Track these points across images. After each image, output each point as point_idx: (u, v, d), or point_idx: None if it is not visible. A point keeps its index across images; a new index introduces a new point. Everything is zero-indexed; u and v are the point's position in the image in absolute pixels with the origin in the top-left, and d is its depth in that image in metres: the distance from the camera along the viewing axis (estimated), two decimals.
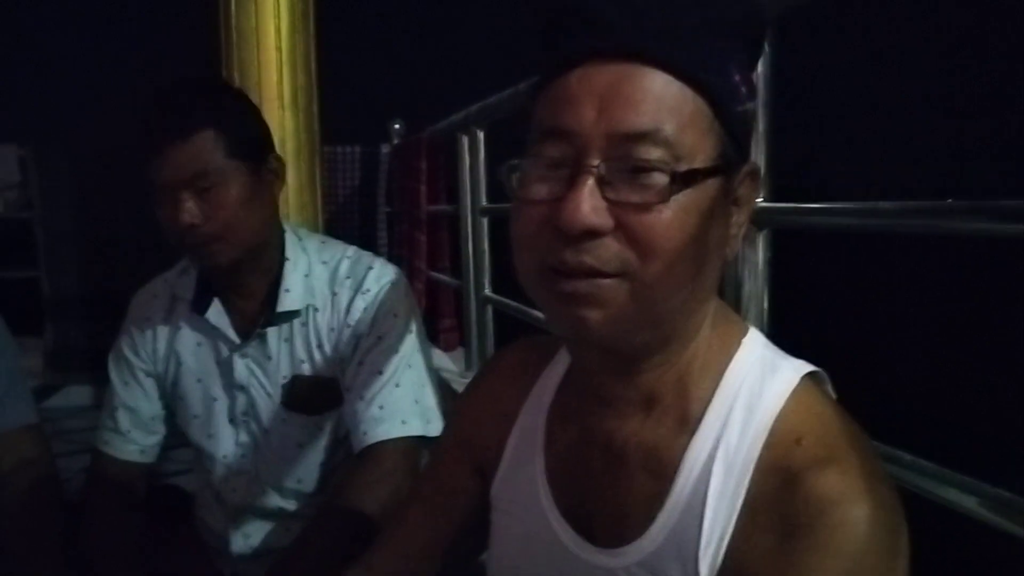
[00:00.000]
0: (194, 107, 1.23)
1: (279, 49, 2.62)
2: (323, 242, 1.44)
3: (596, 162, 0.60)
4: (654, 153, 0.60)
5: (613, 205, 0.60)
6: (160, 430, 1.44)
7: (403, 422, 1.30)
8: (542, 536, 0.75)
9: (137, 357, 1.43)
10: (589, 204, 0.59)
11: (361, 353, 1.33)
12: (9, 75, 4.04)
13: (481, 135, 2.30)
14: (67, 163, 3.70)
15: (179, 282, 1.43)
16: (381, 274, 1.38)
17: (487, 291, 2.35)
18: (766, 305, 1.07)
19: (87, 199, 3.73)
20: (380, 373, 1.31)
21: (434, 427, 1.33)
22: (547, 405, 0.80)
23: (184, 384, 1.41)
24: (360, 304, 1.35)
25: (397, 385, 1.31)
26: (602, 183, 0.60)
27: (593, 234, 0.60)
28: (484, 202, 2.32)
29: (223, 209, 1.23)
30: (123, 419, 1.41)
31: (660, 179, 0.60)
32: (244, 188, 1.26)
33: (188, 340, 1.41)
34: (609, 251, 0.60)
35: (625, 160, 0.60)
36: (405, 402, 1.31)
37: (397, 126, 3.79)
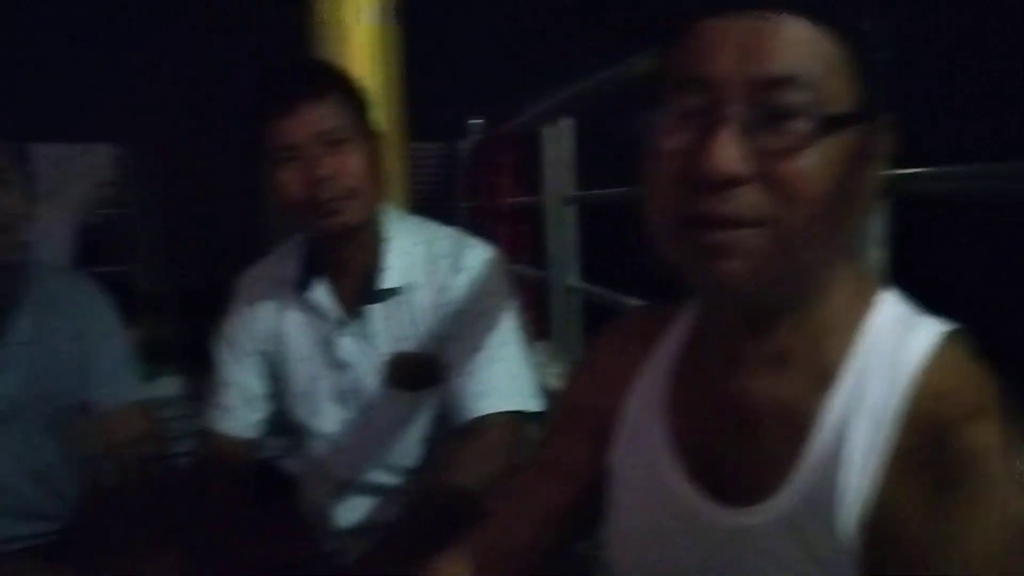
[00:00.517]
0: (324, 71, 1.32)
1: (364, 40, 2.68)
2: (421, 222, 1.47)
3: (737, 109, 0.60)
4: (797, 98, 0.59)
5: (754, 152, 0.60)
6: (265, 407, 1.48)
7: (504, 397, 1.31)
8: (667, 499, 0.75)
9: (243, 336, 1.47)
10: (731, 151, 0.59)
11: (461, 330, 1.35)
12: (107, 78, 4.21)
13: (567, 124, 2.30)
14: (159, 163, 3.85)
15: (283, 263, 1.47)
16: (479, 253, 1.40)
17: (573, 281, 2.35)
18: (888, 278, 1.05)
19: (178, 198, 3.87)
20: (480, 349, 1.33)
21: (532, 404, 1.34)
22: (669, 369, 0.80)
23: (289, 362, 1.45)
24: (459, 282, 1.36)
25: (497, 361, 1.32)
26: (743, 130, 0.60)
27: (734, 182, 0.60)
28: (571, 191, 2.32)
29: (353, 164, 1.28)
30: (230, 396, 1.45)
31: (803, 125, 0.59)
32: (368, 151, 1.31)
33: (292, 319, 1.44)
34: (750, 200, 0.60)
35: (767, 106, 0.60)
36: (505, 378, 1.32)
37: (477, 122, 3.83)
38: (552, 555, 0.90)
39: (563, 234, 2.37)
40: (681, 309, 0.83)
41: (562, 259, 2.38)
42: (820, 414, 0.66)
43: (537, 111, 2.57)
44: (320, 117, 1.26)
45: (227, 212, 3.90)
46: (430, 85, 3.56)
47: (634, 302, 1.97)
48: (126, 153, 3.75)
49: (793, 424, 0.68)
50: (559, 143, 2.35)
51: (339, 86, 1.30)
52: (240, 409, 1.45)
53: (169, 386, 4.07)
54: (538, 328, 3.03)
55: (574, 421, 0.88)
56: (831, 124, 0.60)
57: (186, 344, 3.77)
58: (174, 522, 1.40)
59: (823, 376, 0.67)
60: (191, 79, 4.22)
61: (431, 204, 3.88)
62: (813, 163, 0.59)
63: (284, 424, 1.52)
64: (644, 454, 0.79)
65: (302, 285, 1.42)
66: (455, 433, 1.33)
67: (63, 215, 3.72)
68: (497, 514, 0.91)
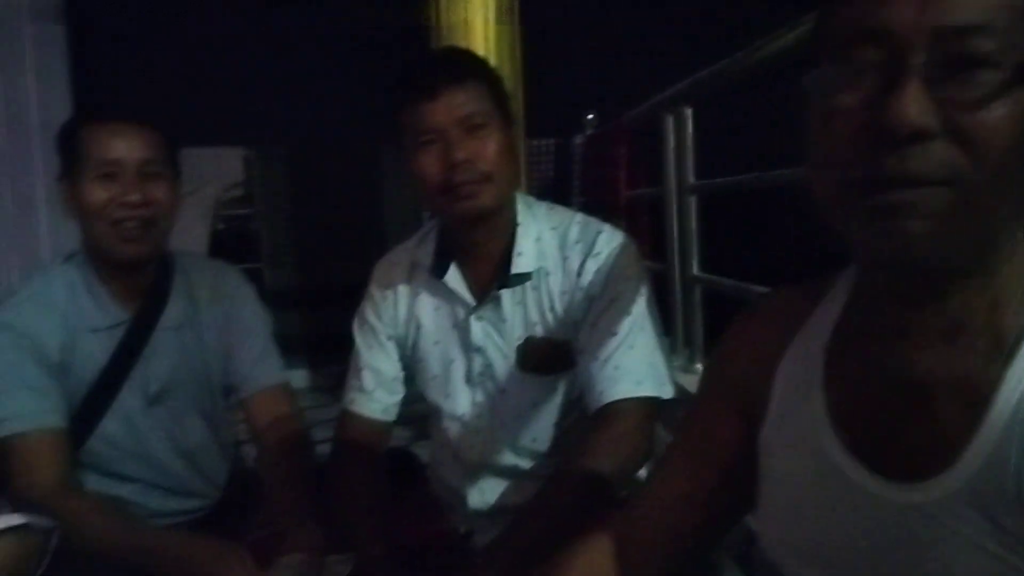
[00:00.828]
0: (464, 58, 1.35)
1: (487, 39, 2.72)
2: (551, 208, 1.48)
3: (920, 59, 0.57)
4: (985, 47, 0.56)
5: (940, 105, 0.57)
6: (400, 390, 1.52)
7: (638, 383, 1.30)
8: (828, 475, 0.73)
9: (380, 321, 1.51)
10: (917, 104, 0.56)
11: (594, 315, 1.34)
12: (236, 83, 4.40)
13: (688, 112, 2.27)
14: (285, 164, 4.00)
15: (418, 250, 1.50)
16: (611, 238, 1.39)
17: (695, 271, 2.31)
18: None
19: (302, 198, 4.00)
20: (614, 334, 1.32)
21: (667, 390, 1.33)
22: (822, 344, 0.77)
23: (423, 346, 1.48)
24: (591, 267, 1.36)
25: (631, 347, 1.32)
26: (927, 82, 0.57)
27: (922, 136, 0.57)
28: (692, 180, 2.29)
29: (490, 148, 1.30)
30: (367, 379, 1.50)
31: (993, 75, 0.56)
32: (504, 136, 1.33)
33: (427, 304, 1.47)
34: (936, 156, 0.57)
35: (953, 56, 0.57)
36: (639, 363, 1.31)
37: (590, 117, 3.82)
38: (698, 543, 0.89)
39: (685, 224, 2.33)
40: (830, 285, 0.80)
41: (684, 249, 2.35)
42: (999, 385, 0.63)
43: (654, 101, 2.54)
44: (460, 102, 1.29)
45: (348, 213, 4.01)
46: (543, 81, 3.57)
47: (758, 290, 1.93)
48: (254, 156, 3.93)
49: (968, 396, 0.64)
50: (680, 132, 2.32)
51: (478, 73, 1.33)
52: (376, 391, 1.49)
53: (297, 379, 4.25)
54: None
55: (719, 400, 0.87)
56: (1022, 74, 0.56)
57: (309, 338, 3.92)
58: (315, 501, 1.44)
59: (1001, 345, 0.64)
60: (314, 84, 4.37)
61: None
62: (1005, 114, 0.56)
63: (418, 407, 1.55)
64: (800, 429, 0.76)
65: (436, 270, 1.45)
66: (589, 418, 1.33)
67: (197, 215, 3.92)
68: (639, 498, 0.90)
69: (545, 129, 3.96)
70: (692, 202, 2.31)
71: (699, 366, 2.34)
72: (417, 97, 1.29)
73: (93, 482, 1.53)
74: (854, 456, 0.71)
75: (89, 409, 1.51)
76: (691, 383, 2.15)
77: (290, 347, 1.71)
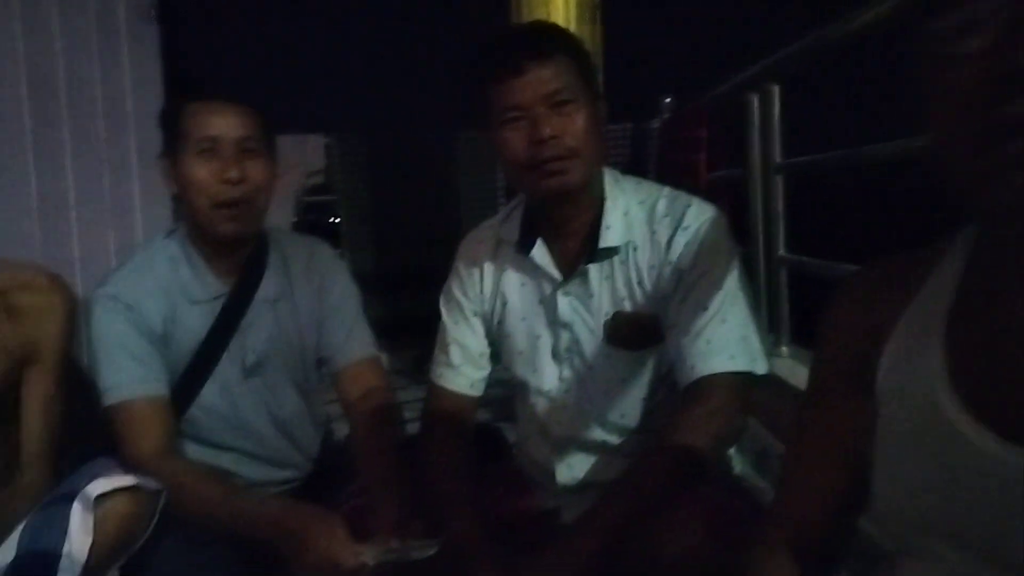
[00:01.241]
0: (552, 33, 1.33)
1: (568, 22, 2.72)
2: (639, 183, 1.47)
3: None
4: None
5: None
6: (487, 366, 1.53)
7: (731, 357, 1.28)
8: (946, 439, 0.70)
9: (466, 297, 1.52)
10: None
11: (684, 289, 1.33)
12: (317, 72, 4.49)
13: (775, 89, 2.22)
14: (365, 151, 4.06)
15: (504, 226, 1.51)
16: (700, 211, 1.37)
17: (781, 252, 2.27)
18: None
19: (382, 183, 4.06)
20: (705, 308, 1.31)
21: (760, 365, 1.31)
22: (945, 305, 0.75)
23: (509, 322, 1.49)
24: (681, 240, 1.35)
25: (723, 320, 1.30)
26: None
27: None
28: (778, 159, 2.24)
29: (576, 125, 1.30)
30: (455, 354, 1.51)
31: None
32: (590, 111, 1.33)
33: (513, 280, 1.48)
34: None
35: None
36: (732, 337, 1.29)
37: (668, 100, 3.78)
38: (841, 535, 0.86)
39: (771, 204, 2.29)
40: (946, 247, 0.78)
41: (769, 230, 2.31)
42: None
43: (738, 80, 2.49)
44: (547, 78, 1.28)
45: (426, 199, 4.05)
46: (618, 66, 3.55)
47: (850, 268, 1.88)
48: (335, 143, 4.00)
49: None
50: (765, 110, 2.27)
51: (565, 47, 1.32)
52: (463, 366, 1.51)
53: None
54: None
55: (836, 377, 0.84)
56: None
57: (390, 323, 3.97)
58: (404, 474, 1.45)
59: None
60: (392, 73, 4.43)
61: None
62: None
63: (495, 392, 1.56)
64: (917, 393, 0.74)
65: (522, 246, 1.45)
66: (680, 393, 1.32)
67: (279, 202, 4.01)
68: (778, 502, 0.88)
69: (620, 114, 3.93)
70: (779, 182, 2.26)
71: (785, 349, 2.30)
72: (502, 73, 1.30)
73: (193, 451, 1.59)
74: (976, 419, 0.69)
75: (189, 379, 1.58)
76: (777, 367, 2.11)
77: (372, 331, 1.73)
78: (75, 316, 1.47)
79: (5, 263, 1.41)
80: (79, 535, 1.17)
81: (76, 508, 1.18)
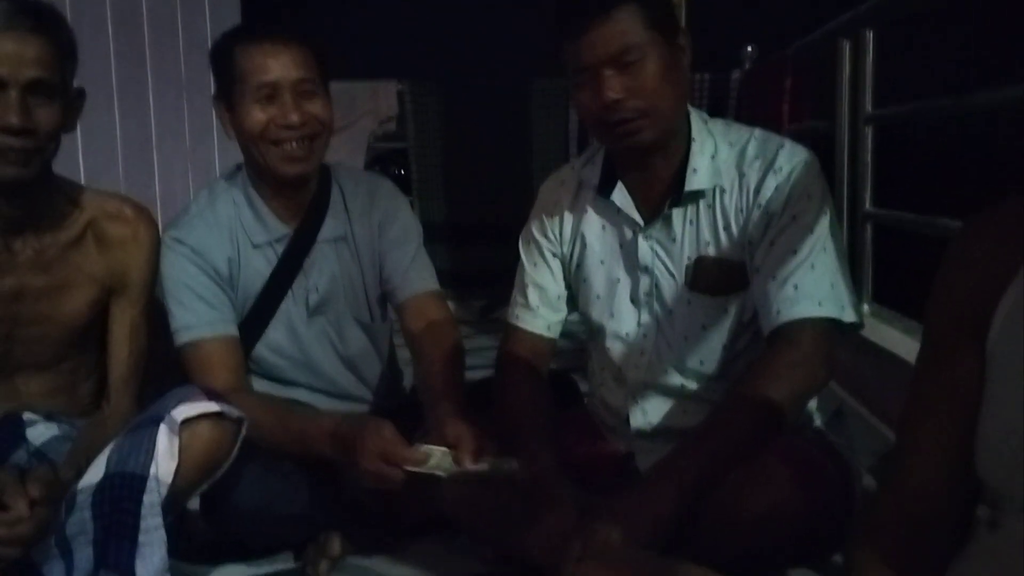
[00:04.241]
0: None
1: None
2: (728, 124, 1.42)
3: None
4: None
5: None
6: (564, 309, 1.51)
7: (819, 303, 1.24)
8: None
9: (545, 239, 1.50)
10: None
11: (773, 233, 1.29)
12: (392, 17, 4.46)
13: (870, 35, 2.12)
14: (438, 98, 4.02)
15: (585, 169, 1.47)
16: (793, 153, 1.32)
17: (868, 207, 2.19)
18: None
19: (454, 132, 4.03)
20: (794, 253, 1.26)
21: (849, 314, 1.26)
22: None
23: (588, 266, 1.46)
24: (772, 183, 1.30)
25: (812, 267, 1.25)
26: None
27: None
28: (869, 109, 2.15)
29: (646, 83, 1.25)
30: (532, 296, 1.50)
31: None
32: (663, 61, 1.27)
33: (593, 223, 1.45)
34: None
35: None
36: (821, 284, 1.25)
37: (749, 49, 3.65)
38: (965, 498, 0.78)
39: (859, 156, 2.20)
40: None
41: (856, 183, 2.22)
42: None
43: (830, 27, 2.39)
44: (609, 37, 1.23)
45: (498, 149, 4.01)
46: (696, 15, 3.44)
47: (943, 223, 1.81)
48: (407, 90, 3.97)
49: None
50: (859, 58, 2.18)
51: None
52: (541, 308, 1.49)
53: None
54: None
55: (954, 328, 0.79)
56: None
57: (456, 271, 3.98)
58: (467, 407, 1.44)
59: None
60: (468, 19, 4.38)
61: None
62: None
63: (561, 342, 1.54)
64: None
65: (603, 189, 1.42)
66: (764, 340, 1.28)
67: (352, 147, 4.03)
68: (903, 456, 0.82)
69: (698, 64, 3.82)
70: (868, 133, 2.17)
71: (866, 308, 2.23)
72: (567, 33, 1.26)
73: (262, 389, 1.63)
74: None
75: (255, 319, 1.60)
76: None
77: (438, 279, 1.72)
78: (159, 247, 1.49)
79: (93, 193, 1.43)
80: (165, 458, 1.20)
81: (162, 431, 1.20)
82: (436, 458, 1.26)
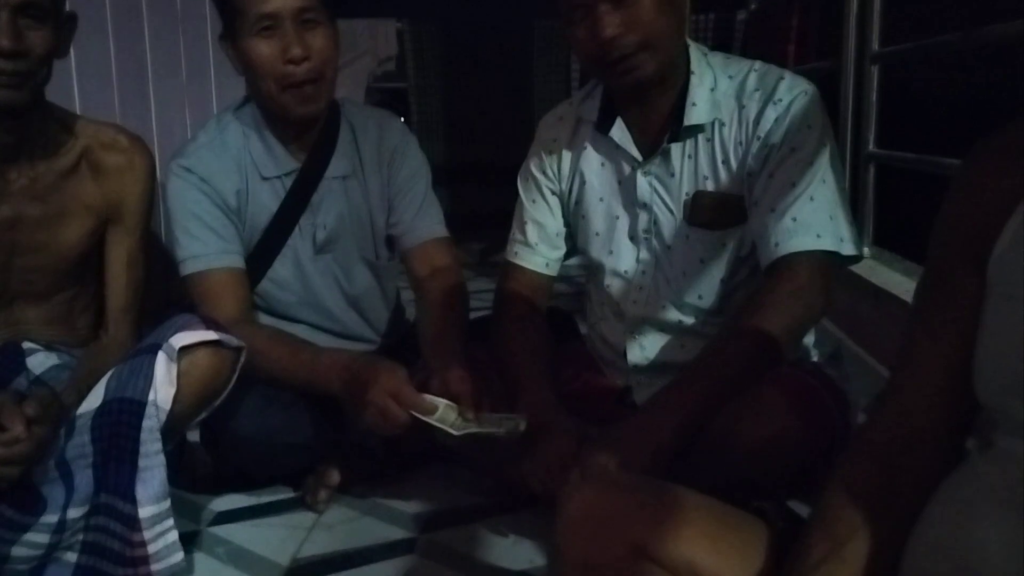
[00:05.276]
0: None
1: None
2: (728, 58, 1.40)
3: None
4: None
5: None
6: (562, 246, 1.51)
7: (818, 236, 1.23)
8: None
9: (544, 176, 1.49)
10: None
11: (772, 165, 1.28)
12: None
13: None
14: (438, 38, 3.96)
15: (584, 104, 1.46)
16: (793, 84, 1.30)
17: (871, 147, 2.17)
18: None
19: (454, 72, 3.97)
20: (793, 185, 1.25)
21: (847, 246, 1.26)
22: None
23: (587, 202, 1.45)
24: (771, 115, 1.28)
25: (811, 199, 1.25)
26: None
27: None
28: (876, 47, 2.12)
29: (643, 15, 1.23)
30: (531, 233, 1.49)
31: None
32: None
33: (592, 160, 1.44)
34: None
35: None
36: (820, 216, 1.24)
37: None
38: (960, 428, 0.78)
39: (864, 96, 2.17)
40: None
41: (860, 124, 2.20)
42: None
43: None
44: None
45: (499, 89, 3.96)
46: None
47: (947, 162, 1.79)
48: (407, 29, 3.91)
49: None
50: None
51: None
52: (540, 245, 1.49)
53: None
54: None
55: (958, 253, 0.78)
56: None
57: (456, 214, 3.96)
58: (473, 353, 1.45)
59: None
60: None
61: None
62: None
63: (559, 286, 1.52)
64: None
65: (602, 125, 1.40)
66: (762, 272, 1.28)
67: (351, 87, 3.97)
68: (895, 377, 0.81)
69: (703, 3, 3.74)
70: (874, 72, 2.14)
71: (866, 250, 2.22)
72: None
73: (267, 323, 1.62)
74: None
75: (262, 253, 1.59)
76: (859, 269, 2.05)
77: None
78: (155, 177, 1.48)
79: (87, 122, 1.41)
80: (164, 385, 1.20)
81: (161, 358, 1.20)
82: (441, 411, 1.26)
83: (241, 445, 1.47)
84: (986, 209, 0.75)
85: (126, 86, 2.22)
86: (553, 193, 1.49)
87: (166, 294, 1.68)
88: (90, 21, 1.90)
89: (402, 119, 4.04)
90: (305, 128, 1.56)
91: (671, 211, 1.38)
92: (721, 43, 3.70)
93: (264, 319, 1.63)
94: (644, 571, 0.81)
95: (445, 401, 1.27)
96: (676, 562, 0.80)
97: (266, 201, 1.57)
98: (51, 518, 1.19)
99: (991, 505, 0.68)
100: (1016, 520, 0.65)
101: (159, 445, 1.19)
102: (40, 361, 1.39)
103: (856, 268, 1.90)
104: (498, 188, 1.79)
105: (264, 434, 1.46)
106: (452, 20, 3.97)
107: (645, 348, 1.43)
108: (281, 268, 1.60)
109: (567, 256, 1.54)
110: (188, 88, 2.62)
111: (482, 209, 3.95)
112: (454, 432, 1.23)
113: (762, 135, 1.29)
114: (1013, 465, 0.68)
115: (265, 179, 1.57)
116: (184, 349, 1.23)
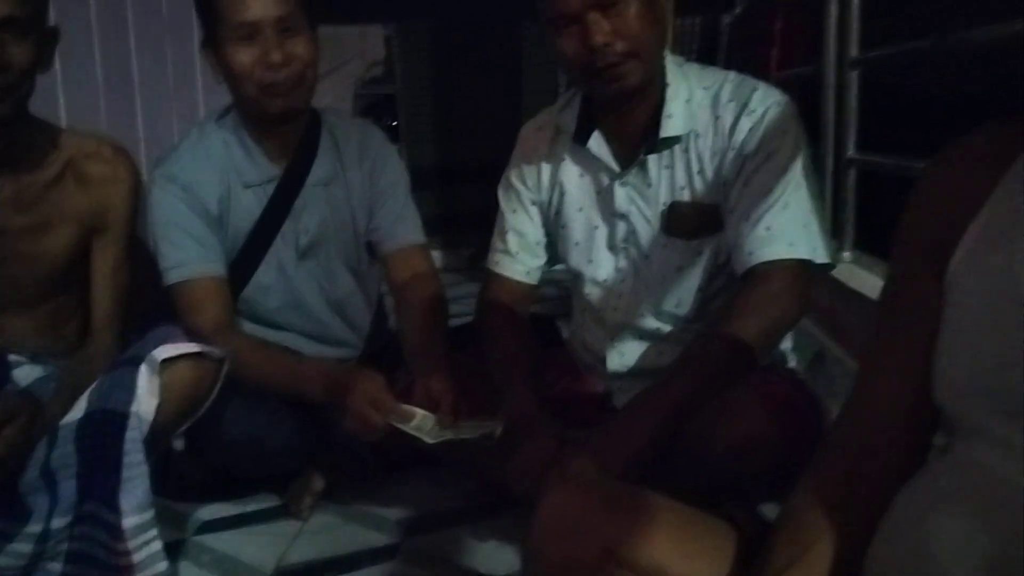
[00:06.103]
0: None
1: None
2: (703, 68, 1.41)
3: None
4: None
5: None
6: (543, 255, 1.53)
7: (791, 244, 1.25)
8: (1017, 307, 0.67)
9: (524, 186, 1.50)
10: None
11: (747, 174, 1.29)
12: None
13: None
14: (426, 43, 3.97)
15: (562, 114, 1.47)
16: (767, 95, 1.32)
17: (851, 152, 2.18)
18: None
19: (443, 76, 3.98)
20: (768, 194, 1.27)
21: (821, 254, 1.28)
22: None
23: (566, 212, 1.47)
24: (745, 124, 1.30)
25: (785, 207, 1.26)
26: None
27: None
28: (855, 53, 2.13)
29: (631, 24, 1.25)
30: (512, 242, 1.51)
31: None
32: (644, 2, 1.26)
33: (571, 171, 1.46)
34: None
35: None
36: (794, 224, 1.26)
37: None
38: (925, 429, 0.78)
39: (844, 101, 2.19)
40: None
41: (840, 129, 2.21)
42: None
43: None
44: None
45: (487, 93, 3.97)
46: None
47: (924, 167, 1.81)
48: (395, 34, 3.92)
49: None
50: (845, 1, 2.15)
51: None
52: (520, 254, 1.51)
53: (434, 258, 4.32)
54: None
55: (920, 258, 0.80)
56: None
57: (445, 217, 3.97)
58: (455, 358, 1.47)
59: None
60: None
61: None
62: None
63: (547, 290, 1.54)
64: (994, 275, 0.70)
65: (580, 136, 1.42)
66: (738, 280, 1.30)
67: (338, 94, 3.98)
68: (857, 397, 0.82)
69: (689, 6, 3.75)
70: (854, 77, 2.16)
71: (847, 254, 2.24)
72: None
73: (250, 330, 1.64)
74: None
75: (245, 259, 1.61)
76: (839, 272, 2.06)
77: (426, 225, 1.73)
78: (140, 187, 1.49)
79: (71, 134, 1.43)
80: (146, 396, 1.22)
81: (143, 371, 1.22)
82: (418, 419, 1.30)
83: (226, 448, 1.49)
84: (948, 214, 0.77)
85: (112, 96, 2.23)
86: (533, 203, 1.50)
87: (155, 298, 1.70)
88: (76, 31, 1.92)
89: (393, 123, 4.07)
90: (285, 129, 1.58)
91: (648, 221, 1.39)
92: (707, 47, 3.72)
93: (248, 325, 1.65)
94: (614, 575, 0.83)
95: (423, 411, 1.31)
96: (645, 566, 0.82)
97: (249, 207, 1.59)
98: (35, 527, 1.20)
99: (949, 509, 0.69)
100: (973, 524, 0.67)
101: (142, 456, 1.21)
102: (26, 373, 1.41)
103: (837, 272, 1.92)
104: (488, 191, 1.81)
105: (249, 437, 1.49)
106: (440, 23, 3.98)
107: (624, 355, 1.44)
108: (265, 274, 1.62)
109: (550, 263, 1.56)
110: (175, 97, 2.63)
111: (471, 212, 3.96)
112: (429, 440, 1.27)
113: (737, 144, 1.30)
114: (970, 469, 0.70)
115: (247, 187, 1.58)
116: (166, 361, 1.24)
